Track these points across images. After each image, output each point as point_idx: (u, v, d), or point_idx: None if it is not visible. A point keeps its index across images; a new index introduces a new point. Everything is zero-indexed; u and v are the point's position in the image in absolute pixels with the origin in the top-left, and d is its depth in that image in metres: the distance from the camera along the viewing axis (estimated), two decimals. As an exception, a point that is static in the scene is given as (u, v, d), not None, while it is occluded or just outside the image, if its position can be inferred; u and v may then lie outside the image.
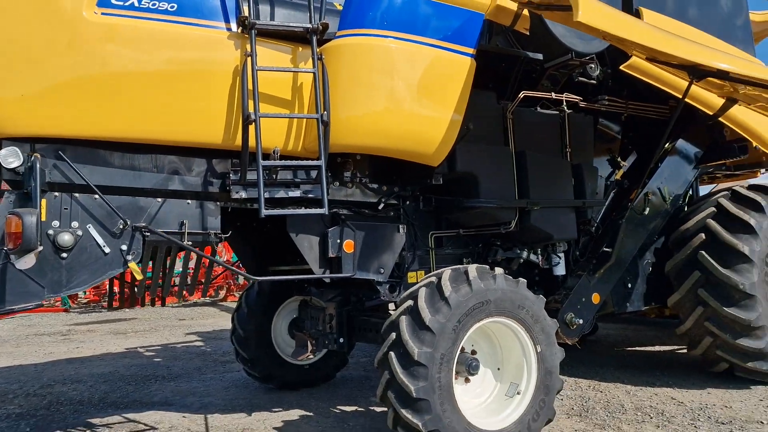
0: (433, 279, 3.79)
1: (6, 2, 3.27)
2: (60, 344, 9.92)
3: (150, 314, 14.07)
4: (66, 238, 3.35)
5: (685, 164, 5.61)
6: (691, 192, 6.30)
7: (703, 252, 5.24)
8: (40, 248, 3.10)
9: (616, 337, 8.17)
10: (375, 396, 5.26)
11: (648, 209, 5.22)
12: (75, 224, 3.45)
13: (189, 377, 6.78)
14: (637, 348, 7.47)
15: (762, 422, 4.41)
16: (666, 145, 5.51)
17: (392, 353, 3.57)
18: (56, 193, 3.41)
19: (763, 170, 6.75)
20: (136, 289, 4.55)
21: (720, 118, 5.34)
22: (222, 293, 16.58)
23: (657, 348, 7.29)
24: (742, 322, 5.06)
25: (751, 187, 5.57)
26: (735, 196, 5.47)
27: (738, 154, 5.81)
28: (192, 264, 9.19)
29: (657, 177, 5.36)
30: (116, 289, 6.98)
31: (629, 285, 5.41)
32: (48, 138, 3.41)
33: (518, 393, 3.93)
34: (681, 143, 5.58)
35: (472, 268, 3.81)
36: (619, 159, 5.54)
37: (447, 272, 3.79)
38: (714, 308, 5.16)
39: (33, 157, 3.25)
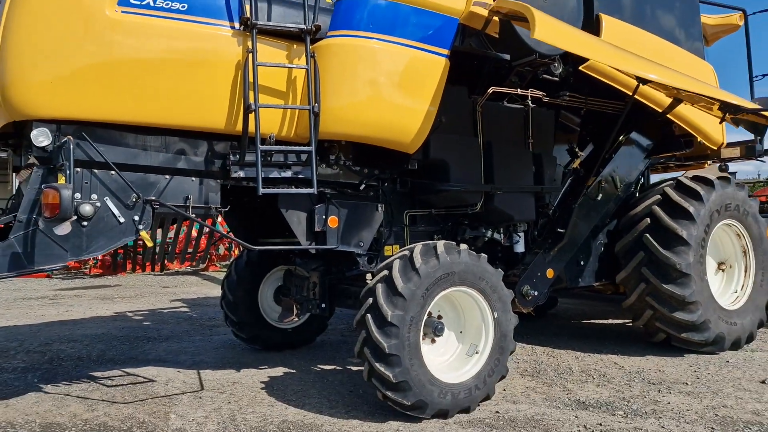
0: (406, 252, 4.36)
1: (43, 3, 3.70)
2: (49, 307, 10.36)
3: (134, 281, 14.51)
4: (87, 209, 3.82)
5: (637, 155, 6.20)
6: (642, 180, 6.92)
7: (647, 235, 5.88)
8: (74, 218, 3.60)
9: (575, 311, 8.88)
10: (352, 357, 5.90)
11: (601, 195, 5.84)
12: (94, 197, 3.93)
13: (179, 339, 7.32)
14: (592, 321, 8.18)
15: (686, 383, 5.09)
16: (620, 138, 6.11)
17: (369, 315, 4.15)
18: (78, 169, 3.88)
19: (710, 162, 7.40)
20: (141, 255, 5.05)
21: (668, 115, 5.96)
22: (203, 265, 17.01)
23: (609, 321, 8.00)
24: (678, 298, 5.73)
25: (693, 178, 6.19)
26: (679, 186, 6.09)
27: (684, 148, 6.46)
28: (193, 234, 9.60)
29: (610, 166, 5.96)
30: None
31: (581, 263, 6.05)
32: (72, 120, 3.87)
33: (477, 352, 4.55)
34: (633, 136, 6.16)
35: (440, 244, 4.39)
36: (577, 149, 6.14)
37: (418, 247, 4.36)
38: (654, 285, 5.81)
39: (66, 139, 3.71)
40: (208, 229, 4.48)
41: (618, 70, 4.75)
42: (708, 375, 5.32)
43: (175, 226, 4.71)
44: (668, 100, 5.81)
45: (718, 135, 6.42)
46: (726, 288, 6.47)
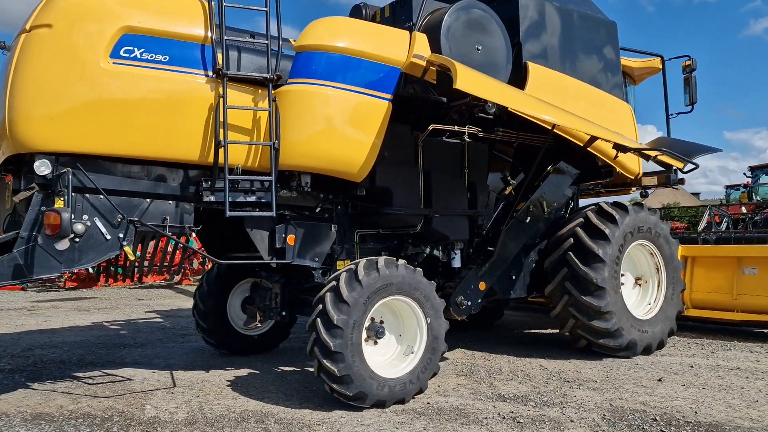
0: (352, 266, 5.13)
1: (45, 51, 4.44)
2: (28, 317, 10.89)
3: (109, 294, 15.03)
4: (79, 228, 4.52)
5: (563, 183, 7.05)
6: (572, 204, 7.81)
7: (570, 253, 6.74)
8: (71, 235, 4.32)
9: (519, 323, 9.73)
10: (310, 360, 6.62)
11: (529, 218, 6.68)
12: (85, 217, 4.64)
13: (153, 345, 7.97)
14: (532, 330, 9.03)
15: (596, 381, 5.92)
16: (548, 168, 6.99)
17: (318, 319, 4.91)
18: (73, 194, 4.60)
19: (634, 188, 8.33)
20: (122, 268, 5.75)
21: (589, 148, 6.86)
22: (177, 277, 17.60)
23: (547, 331, 8.85)
24: (594, 308, 6.59)
25: (612, 204, 7.10)
26: (598, 211, 6.97)
27: (604, 177, 7.37)
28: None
29: (538, 192, 6.80)
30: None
31: (513, 277, 6.89)
32: (68, 153, 4.59)
33: (412, 352, 5.33)
34: (560, 165, 7.03)
35: (381, 259, 5.18)
36: (509, 178, 7.00)
37: (362, 261, 5.14)
38: (576, 297, 6.66)
39: (66, 170, 4.44)
40: (182, 245, 5.21)
41: (520, 113, 5.64)
42: (616, 374, 6.16)
43: (153, 242, 5.44)
44: (587, 136, 6.71)
45: (634, 166, 7.35)
46: (642, 300, 7.36)
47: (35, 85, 4.46)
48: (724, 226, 15.61)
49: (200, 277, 17.91)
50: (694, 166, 6.58)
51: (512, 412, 4.95)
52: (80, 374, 6.38)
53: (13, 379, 6.19)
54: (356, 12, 6.77)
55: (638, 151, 6.45)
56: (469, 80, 5.03)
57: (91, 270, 14.75)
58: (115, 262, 5.77)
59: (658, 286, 7.34)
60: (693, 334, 8.31)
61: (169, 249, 5.42)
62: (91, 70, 4.51)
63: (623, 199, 8.20)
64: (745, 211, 16.85)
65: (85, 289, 16.19)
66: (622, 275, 7.25)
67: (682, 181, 7.81)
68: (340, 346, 4.82)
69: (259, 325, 6.79)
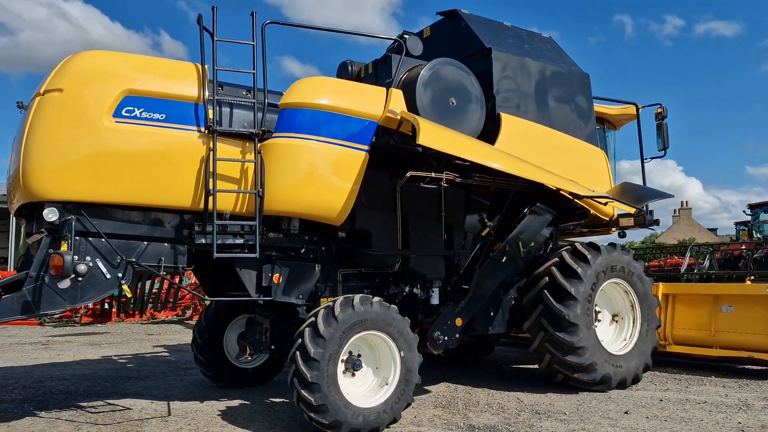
0: (330, 303, 5.59)
1: (56, 112, 5.05)
2: (42, 351, 11.43)
3: (121, 329, 15.57)
4: (82, 268, 5.05)
5: (540, 223, 7.44)
6: (552, 244, 8.21)
7: (545, 291, 7.11)
8: (73, 275, 4.85)
9: (509, 358, 10.04)
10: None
11: (505, 258, 7.09)
12: (88, 258, 5.18)
13: (155, 378, 8.43)
14: (518, 366, 9.34)
15: (565, 413, 6.24)
16: (525, 210, 7.42)
17: (298, 352, 5.35)
18: (77, 237, 5.15)
19: (614, 228, 8.72)
20: (121, 305, 6.26)
21: (561, 192, 7.29)
22: (189, 312, 18.13)
23: (532, 366, 9.15)
24: (568, 344, 6.93)
25: (585, 244, 7.49)
26: (573, 251, 7.36)
27: (579, 219, 7.79)
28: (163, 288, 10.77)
29: (515, 233, 7.21)
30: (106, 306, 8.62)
31: (492, 313, 7.27)
32: (73, 201, 5.15)
33: (387, 384, 5.73)
34: (537, 207, 7.44)
35: (357, 297, 5.63)
36: (485, 220, 7.46)
37: (340, 299, 5.60)
38: (550, 332, 7.01)
39: (70, 217, 5.00)
40: (176, 284, 5.71)
41: (479, 163, 6.17)
42: (587, 407, 6.47)
43: (154, 281, 5.95)
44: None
45: (608, 209, 7.77)
46: (618, 336, 7.69)
47: (46, 142, 5.06)
48: (707, 264, 15.81)
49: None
50: (643, 210, 7.02)
51: (478, 441, 5.30)
52: (84, 404, 6.85)
53: (22, 408, 6.67)
54: (343, 68, 7.38)
55: (591, 198, 6.94)
56: (430, 135, 5.55)
57: (106, 306, 15.46)
58: (120, 298, 6.29)
59: (633, 323, 7.67)
60: (674, 370, 8.57)
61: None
62: (95, 128, 5.11)
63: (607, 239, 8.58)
64: (745, 249, 17.07)
65: (99, 325, 16.75)
66: (599, 312, 7.62)
67: (657, 222, 8.19)
68: (317, 377, 5.24)
69: (249, 358, 7.23)
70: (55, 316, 17.32)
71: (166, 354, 10.98)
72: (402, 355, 5.74)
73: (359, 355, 5.79)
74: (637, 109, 8.78)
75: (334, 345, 5.37)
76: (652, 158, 8.61)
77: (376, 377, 5.85)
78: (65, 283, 4.86)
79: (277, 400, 6.94)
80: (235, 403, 6.79)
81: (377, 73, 6.97)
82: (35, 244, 5.80)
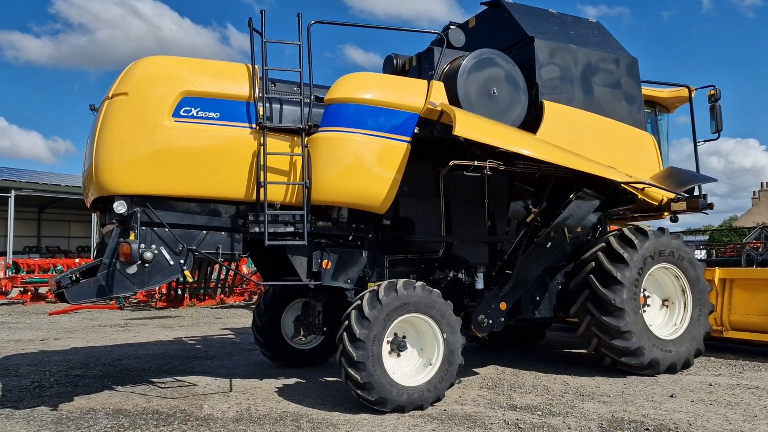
0: (375, 287, 5.90)
1: (122, 114, 5.55)
2: (121, 333, 12.33)
3: (192, 313, 16.48)
4: (148, 255, 5.56)
5: (587, 209, 7.49)
6: (600, 229, 8.22)
7: (591, 275, 7.18)
8: (140, 262, 5.37)
9: (561, 343, 10.10)
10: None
11: (550, 243, 7.19)
12: (153, 246, 5.68)
13: (221, 358, 9.02)
14: (570, 350, 9.40)
15: (609, 396, 6.34)
16: (571, 195, 7.48)
17: (344, 333, 5.70)
18: (143, 228, 5.65)
19: (666, 213, 8.61)
20: (187, 290, 6.79)
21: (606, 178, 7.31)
22: (254, 298, 18.95)
23: (584, 350, 9.18)
24: (614, 328, 6.99)
25: (633, 228, 7.48)
26: (620, 236, 7.38)
27: (627, 204, 7.77)
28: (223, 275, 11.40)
29: (560, 219, 7.30)
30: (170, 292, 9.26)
31: (537, 298, 7.39)
32: (139, 195, 5.66)
33: (431, 364, 6.00)
34: (583, 193, 7.50)
35: (400, 282, 5.92)
36: (531, 206, 7.57)
37: (384, 283, 5.90)
38: (597, 317, 7.08)
39: (136, 209, 5.51)
40: (232, 269, 6.16)
41: (515, 152, 6.29)
42: (632, 391, 6.54)
43: (217, 267, 6.44)
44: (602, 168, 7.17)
45: (657, 194, 7.70)
46: (668, 321, 7.65)
47: (114, 141, 5.57)
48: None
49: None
50: (684, 196, 6.95)
51: (517, 419, 5.50)
52: (156, 380, 7.46)
53: (102, 383, 7.34)
54: (388, 62, 7.63)
55: (628, 184, 6.94)
56: (466, 125, 5.74)
57: (179, 291, 16.45)
58: (189, 283, 6.83)
59: (684, 308, 7.61)
60: (730, 356, 8.44)
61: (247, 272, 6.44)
62: (157, 128, 5.58)
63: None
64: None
65: (172, 309, 17.78)
66: (648, 297, 7.60)
67: (711, 206, 8.05)
68: (362, 357, 5.58)
69: (303, 339, 7.66)
70: (133, 301, 18.53)
71: (232, 336, 11.63)
72: (445, 336, 5.99)
73: (404, 337, 6.08)
74: (690, 92, 8.61)
75: (379, 326, 5.68)
76: (705, 141, 8.45)
77: (421, 358, 6.13)
78: (133, 269, 5.37)
79: (330, 379, 7.34)
80: (292, 381, 7.23)
81: (421, 66, 7.18)
82: (108, 233, 6.39)
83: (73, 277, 5.51)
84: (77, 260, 26.27)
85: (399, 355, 6.05)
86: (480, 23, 7.98)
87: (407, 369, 6.08)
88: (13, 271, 22.45)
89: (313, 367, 8.14)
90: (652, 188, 7.56)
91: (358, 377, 5.57)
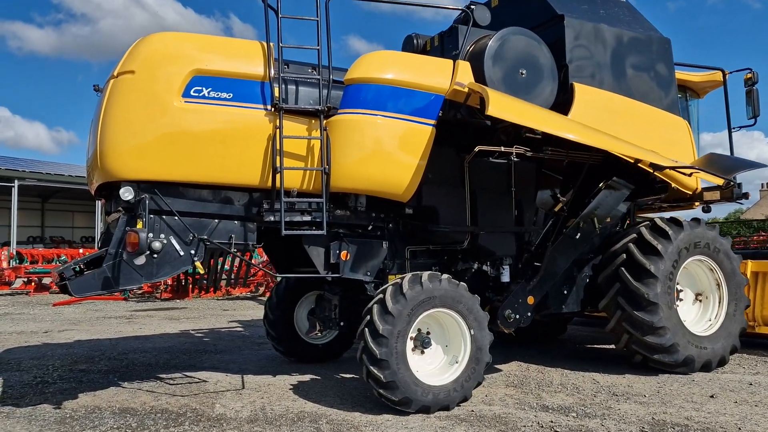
0: (398, 280, 5.53)
1: (129, 93, 5.17)
2: (126, 325, 12.01)
3: (198, 305, 16.16)
4: (157, 245, 5.19)
5: (617, 198, 7.08)
6: (629, 220, 7.83)
7: (623, 268, 6.79)
8: (148, 252, 5.00)
9: (583, 337, 9.73)
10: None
11: (579, 234, 6.80)
12: (162, 236, 5.31)
13: (231, 352, 8.68)
14: (593, 345, 9.03)
15: (645, 395, 5.98)
16: (600, 184, 7.09)
17: (366, 329, 5.33)
18: (152, 216, 5.28)
19: (697, 203, 8.22)
20: (197, 282, 6.43)
21: (640, 165, 6.91)
22: (261, 289, 18.62)
23: (608, 346, 8.82)
24: (647, 323, 6.61)
25: (666, 219, 7.09)
26: (652, 226, 6.99)
27: (659, 193, 7.36)
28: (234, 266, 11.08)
29: (589, 208, 6.90)
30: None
31: (565, 291, 7.01)
32: (147, 180, 5.29)
33: (457, 362, 5.64)
34: (613, 182, 7.10)
35: (426, 274, 5.54)
36: (559, 195, 7.17)
37: (407, 276, 5.53)
38: (628, 312, 6.70)
39: (144, 196, 5.14)
40: (245, 260, 5.79)
41: (552, 134, 5.85)
42: (668, 390, 6.17)
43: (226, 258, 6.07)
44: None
45: (691, 182, 7.30)
46: (702, 316, 7.27)
47: (120, 123, 5.19)
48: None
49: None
50: (731, 182, 6.52)
51: (552, 422, 5.14)
52: (164, 375, 7.12)
53: (107, 379, 7.00)
54: (408, 42, 7.23)
55: (673, 169, 6.49)
56: (500, 106, 5.33)
57: (183, 282, 16.18)
58: (196, 275, 6.47)
59: (719, 303, 7.23)
60: (764, 352, 8.07)
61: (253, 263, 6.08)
62: (166, 109, 5.20)
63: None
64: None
65: (177, 300, 17.46)
66: (681, 291, 7.22)
67: (746, 195, 7.65)
68: (386, 354, 5.21)
69: (319, 334, 7.31)
70: (138, 292, 18.23)
71: (241, 329, 11.30)
72: (472, 333, 5.63)
73: (428, 333, 5.71)
74: (724, 75, 8.18)
75: (403, 322, 5.32)
76: (740, 127, 8.03)
77: (446, 355, 5.76)
78: (141, 260, 5.01)
79: (347, 375, 6.99)
80: (307, 378, 6.88)
81: (443, 46, 6.78)
82: (114, 222, 6.02)
83: (77, 269, 5.15)
84: (81, 251, 25.99)
85: (423, 353, 5.68)
86: (504, 1, 7.56)
87: (431, 367, 5.72)
88: (17, 261, 22.18)
89: (327, 362, 7.79)
90: (689, 174, 7.16)
91: (381, 376, 5.21)
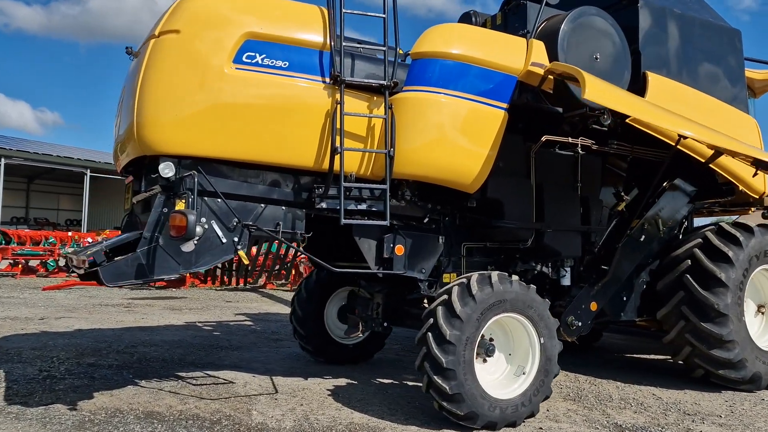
0: (464, 280, 4.95)
1: (173, 56, 4.53)
2: (126, 314, 11.31)
3: (198, 295, 15.45)
4: (198, 230, 4.55)
5: (680, 200, 6.59)
6: (686, 223, 7.32)
7: (687, 275, 6.27)
8: (197, 238, 4.36)
9: (621, 346, 9.23)
10: (408, 373, 6.45)
11: (644, 236, 6.28)
12: (203, 220, 4.66)
13: (248, 349, 8.05)
14: (635, 355, 8.53)
15: (720, 416, 5.47)
16: (664, 184, 6.57)
17: (429, 333, 4.75)
18: (192, 197, 4.64)
19: (754, 209, 7.73)
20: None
21: (710, 165, 6.40)
22: (261, 281, 17.91)
23: (653, 356, 8.33)
24: (715, 336, 6.10)
25: (734, 224, 6.58)
26: (719, 231, 6.48)
27: (725, 195, 6.86)
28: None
29: (654, 209, 6.39)
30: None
31: (624, 298, 6.48)
32: (190, 156, 4.64)
33: (524, 373, 5.08)
34: (677, 182, 6.57)
35: (495, 274, 4.97)
36: (622, 193, 6.63)
37: (475, 275, 4.95)
38: (693, 323, 6.19)
39: (191, 173, 4.49)
40: (293, 250, 5.18)
41: (660, 128, 5.29)
42: (742, 410, 5.67)
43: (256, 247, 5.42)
44: (709, 152, 6.26)
45: (759, 185, 6.80)
46: (765, 330, 6.78)
47: (162, 89, 4.54)
48: None
49: (283, 283, 18.23)
50: None
51: (633, 444, 4.61)
52: (183, 374, 6.49)
53: (122, 376, 6.35)
54: (465, 19, 6.64)
55: None
56: (598, 90, 4.75)
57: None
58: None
59: (786, 315, 6.75)
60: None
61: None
62: (215, 75, 4.56)
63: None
64: None
65: (174, 289, 16.74)
66: (744, 302, 6.72)
67: (810, 202, 7.18)
68: (452, 363, 4.64)
69: (361, 334, 6.72)
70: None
71: (250, 323, 10.65)
72: (542, 341, 5.07)
73: (491, 340, 5.15)
74: (789, 75, 7.69)
75: (472, 327, 4.74)
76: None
77: (509, 365, 5.20)
78: (189, 246, 4.36)
79: (386, 380, 6.40)
80: (342, 382, 6.28)
81: (507, 24, 6.20)
82: (141, 203, 5.38)
83: (108, 252, 4.50)
84: (70, 233, 25.07)
85: (485, 361, 5.12)
86: None
87: (493, 378, 5.15)
88: (2, 242, 21.23)
89: (358, 364, 7.20)
90: (757, 178, 6.66)
91: (447, 387, 4.63)
